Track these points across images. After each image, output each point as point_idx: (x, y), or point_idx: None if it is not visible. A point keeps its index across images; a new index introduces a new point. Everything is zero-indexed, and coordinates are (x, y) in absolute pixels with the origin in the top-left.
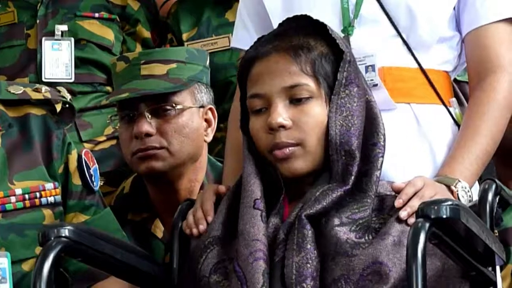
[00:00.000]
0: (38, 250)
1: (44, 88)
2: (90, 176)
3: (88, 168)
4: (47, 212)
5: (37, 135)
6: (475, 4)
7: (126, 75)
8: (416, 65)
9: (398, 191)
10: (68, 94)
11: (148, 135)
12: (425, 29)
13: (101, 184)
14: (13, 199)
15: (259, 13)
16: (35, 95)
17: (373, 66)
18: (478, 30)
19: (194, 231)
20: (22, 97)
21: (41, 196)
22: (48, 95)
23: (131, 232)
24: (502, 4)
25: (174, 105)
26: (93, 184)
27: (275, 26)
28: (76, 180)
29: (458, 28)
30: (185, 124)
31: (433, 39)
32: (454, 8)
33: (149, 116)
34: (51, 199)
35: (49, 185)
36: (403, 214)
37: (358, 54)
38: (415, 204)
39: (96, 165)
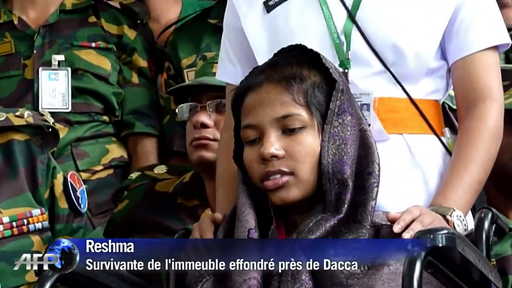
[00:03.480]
0: (28, 277)
1: (26, 113)
2: (77, 198)
3: (75, 190)
4: (35, 238)
5: (21, 161)
6: (460, 34)
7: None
8: (406, 96)
9: (393, 221)
10: (51, 118)
11: (205, 126)
12: (413, 63)
13: (164, 171)
14: (0, 227)
15: (243, 47)
16: (17, 121)
17: (368, 105)
18: (465, 59)
19: None
20: (5, 124)
21: (28, 223)
22: (31, 120)
23: (184, 216)
24: (487, 32)
25: None
26: (80, 207)
27: (259, 62)
28: (63, 204)
29: (444, 56)
30: None
31: (421, 72)
32: None
33: (211, 109)
34: (38, 225)
35: (36, 211)
36: (406, 235)
37: (355, 91)
38: (416, 227)
39: (83, 187)
